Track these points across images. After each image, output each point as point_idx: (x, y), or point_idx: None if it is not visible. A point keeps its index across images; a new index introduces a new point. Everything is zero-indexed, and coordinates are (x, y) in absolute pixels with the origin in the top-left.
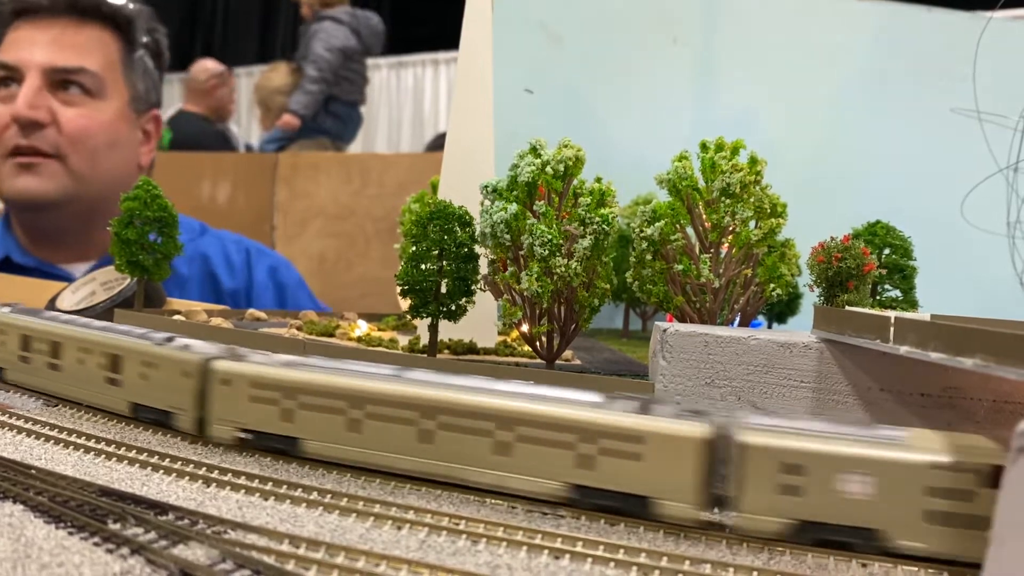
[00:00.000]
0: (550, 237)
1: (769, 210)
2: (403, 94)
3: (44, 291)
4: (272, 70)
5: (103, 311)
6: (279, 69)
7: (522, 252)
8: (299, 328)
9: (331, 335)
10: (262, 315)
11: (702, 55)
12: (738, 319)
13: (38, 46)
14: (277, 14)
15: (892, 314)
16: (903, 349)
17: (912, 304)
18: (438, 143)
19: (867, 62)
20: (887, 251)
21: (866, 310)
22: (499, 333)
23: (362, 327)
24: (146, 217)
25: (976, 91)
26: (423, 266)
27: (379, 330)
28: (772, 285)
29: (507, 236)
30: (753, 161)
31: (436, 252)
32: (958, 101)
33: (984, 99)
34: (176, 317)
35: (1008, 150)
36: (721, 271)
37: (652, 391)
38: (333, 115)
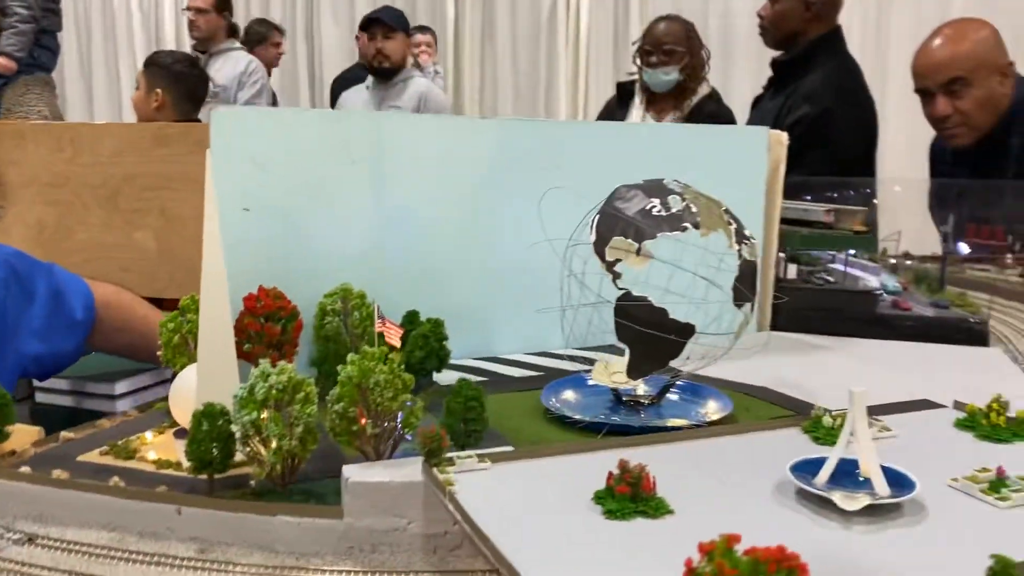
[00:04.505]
0: (278, 431)
1: None
2: (92, 10)
3: None
4: None
5: None
6: None
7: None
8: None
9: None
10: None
11: (374, 170)
12: None
13: None
14: None
15: None
16: None
17: None
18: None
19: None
20: None
21: None
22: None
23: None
24: None
25: None
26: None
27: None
28: None
29: (253, 431)
30: None
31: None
32: None
33: None
34: None
35: None
36: None
37: None
38: (46, 48)
